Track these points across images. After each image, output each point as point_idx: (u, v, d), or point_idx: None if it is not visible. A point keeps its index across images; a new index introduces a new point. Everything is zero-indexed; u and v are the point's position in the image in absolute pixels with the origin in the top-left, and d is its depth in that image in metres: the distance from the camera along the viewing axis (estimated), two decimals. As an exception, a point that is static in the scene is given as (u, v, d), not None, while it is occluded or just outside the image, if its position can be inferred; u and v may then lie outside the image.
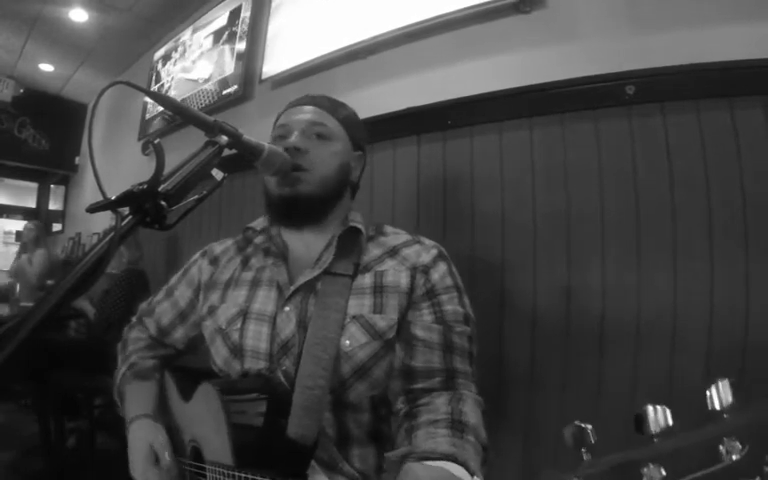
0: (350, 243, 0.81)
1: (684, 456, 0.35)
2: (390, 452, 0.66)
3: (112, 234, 0.48)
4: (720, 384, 0.36)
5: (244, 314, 0.80)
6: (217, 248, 0.93)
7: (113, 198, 0.50)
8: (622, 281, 1.07)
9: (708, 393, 0.36)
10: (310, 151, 0.79)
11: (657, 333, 1.02)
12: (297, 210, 0.79)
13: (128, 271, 2.38)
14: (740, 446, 0.33)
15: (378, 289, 0.77)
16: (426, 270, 0.78)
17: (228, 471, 0.64)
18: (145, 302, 0.98)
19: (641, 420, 0.37)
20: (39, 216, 5.42)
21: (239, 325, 0.79)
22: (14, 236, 5.84)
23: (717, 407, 0.36)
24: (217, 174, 0.65)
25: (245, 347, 0.78)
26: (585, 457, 0.39)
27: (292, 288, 0.78)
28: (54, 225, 5.37)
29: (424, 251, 0.80)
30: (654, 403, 0.37)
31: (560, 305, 1.14)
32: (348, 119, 0.87)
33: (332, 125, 0.83)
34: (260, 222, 0.88)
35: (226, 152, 0.64)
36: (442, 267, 0.79)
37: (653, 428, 0.37)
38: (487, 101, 1.33)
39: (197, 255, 0.94)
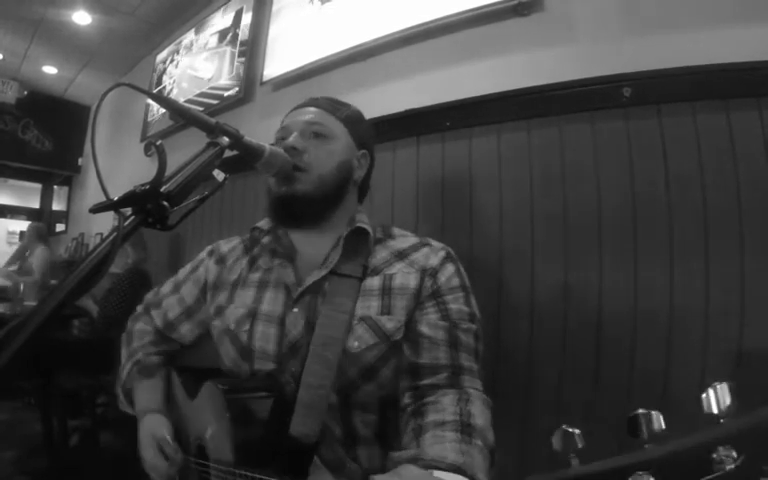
0: (357, 244, 0.81)
1: (676, 464, 0.32)
2: (396, 453, 0.65)
3: (115, 234, 0.48)
4: (718, 387, 0.33)
5: (253, 315, 0.80)
6: (224, 247, 0.93)
7: (116, 199, 0.51)
8: (619, 280, 1.08)
9: (704, 396, 0.33)
10: (308, 151, 0.79)
11: (653, 331, 1.03)
12: (294, 209, 0.79)
13: (131, 271, 2.40)
14: (735, 455, 0.30)
15: (386, 291, 0.77)
16: (434, 273, 0.78)
17: (230, 469, 0.64)
18: (151, 292, 0.97)
19: (634, 424, 0.36)
20: (42, 217, 5.46)
21: (248, 326, 0.79)
22: (18, 236, 5.89)
23: (714, 411, 0.33)
24: (219, 175, 0.66)
25: (254, 348, 0.78)
26: (573, 462, 0.38)
27: (300, 289, 0.78)
28: (57, 225, 5.40)
29: (432, 254, 0.80)
30: (648, 407, 0.35)
31: (558, 304, 1.15)
32: (350, 118, 0.86)
33: (331, 124, 0.83)
34: (267, 222, 0.87)
35: (228, 153, 0.65)
36: (449, 268, 0.79)
37: (645, 433, 0.35)
38: (485, 103, 1.33)
39: (204, 253, 0.94)
